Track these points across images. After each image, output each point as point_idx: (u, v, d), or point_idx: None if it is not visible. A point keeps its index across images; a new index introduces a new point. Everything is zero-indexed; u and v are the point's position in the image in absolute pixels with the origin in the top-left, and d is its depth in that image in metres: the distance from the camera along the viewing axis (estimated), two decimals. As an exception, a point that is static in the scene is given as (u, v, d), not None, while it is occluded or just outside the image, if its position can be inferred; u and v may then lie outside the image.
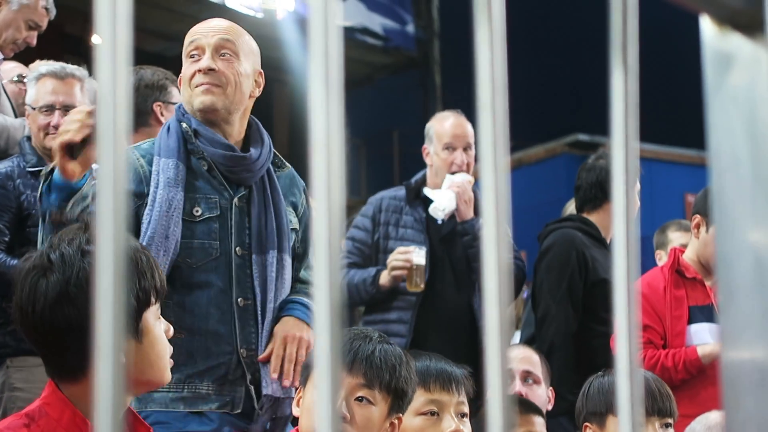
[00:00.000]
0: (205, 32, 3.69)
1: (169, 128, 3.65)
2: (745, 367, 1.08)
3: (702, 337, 4.71)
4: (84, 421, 2.25)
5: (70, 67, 4.75)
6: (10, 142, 4.89)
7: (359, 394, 2.88)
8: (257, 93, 3.74)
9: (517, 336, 6.50)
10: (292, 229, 3.73)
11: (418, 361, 3.17)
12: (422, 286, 5.04)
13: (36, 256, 2.29)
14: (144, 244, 3.41)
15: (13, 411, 4.16)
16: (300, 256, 3.79)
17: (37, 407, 2.29)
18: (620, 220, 0.96)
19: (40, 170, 4.60)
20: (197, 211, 3.55)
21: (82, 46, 13.73)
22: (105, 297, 0.75)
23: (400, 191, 5.41)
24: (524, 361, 4.50)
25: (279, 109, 17.30)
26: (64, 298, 2.21)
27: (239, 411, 3.53)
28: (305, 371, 3.05)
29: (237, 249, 3.58)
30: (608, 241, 5.45)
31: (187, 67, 3.67)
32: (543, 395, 4.46)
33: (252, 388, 3.55)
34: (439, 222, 5.22)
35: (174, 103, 4.71)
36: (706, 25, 1.12)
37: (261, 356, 3.56)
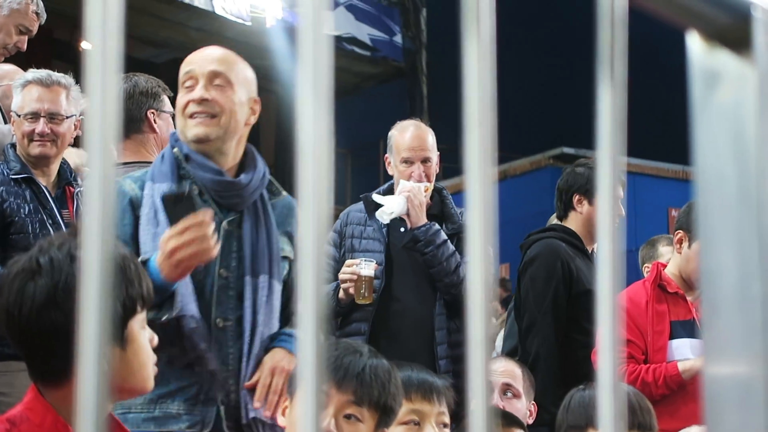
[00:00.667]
0: (198, 62, 3.69)
1: (163, 156, 3.67)
2: (728, 383, 1.08)
3: (683, 353, 4.72)
4: (65, 427, 2.24)
5: (57, 75, 4.74)
6: None
7: (348, 411, 2.87)
8: (252, 120, 3.74)
9: (499, 347, 6.49)
10: (283, 257, 3.72)
11: (400, 371, 3.17)
12: (370, 298, 5.01)
13: (24, 260, 2.28)
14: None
15: (-6, 415, 4.14)
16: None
17: (19, 412, 2.28)
18: (605, 233, 0.97)
19: (25, 177, 4.60)
20: None
21: (71, 51, 13.73)
22: (90, 303, 0.75)
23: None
24: (505, 374, 4.50)
25: (266, 117, 17.29)
26: (52, 303, 2.20)
27: (209, 430, 3.53)
28: (293, 383, 3.04)
29: (221, 271, 3.58)
30: (591, 251, 5.45)
31: (181, 97, 3.67)
32: (522, 409, 4.45)
33: (222, 408, 3.55)
34: (385, 223, 5.17)
35: (167, 112, 4.71)
36: (694, 42, 1.12)
37: (247, 383, 3.56)
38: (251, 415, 3.53)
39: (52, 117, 4.63)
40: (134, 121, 4.61)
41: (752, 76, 1.08)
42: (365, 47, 17.95)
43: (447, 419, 3.27)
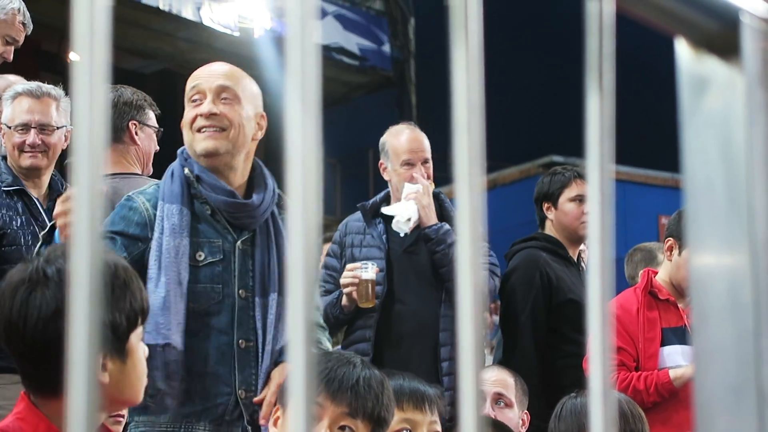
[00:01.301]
0: (206, 77, 3.71)
1: (173, 173, 3.67)
2: (719, 390, 1.08)
3: (675, 360, 4.72)
4: (59, 436, 2.23)
5: (47, 87, 4.75)
6: None
7: (342, 423, 2.87)
8: (259, 136, 3.76)
9: (489, 357, 6.49)
10: None
11: (391, 379, 3.17)
12: (373, 301, 5.02)
13: (29, 270, 2.25)
14: (162, 291, 3.47)
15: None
16: None
17: (10, 422, 2.27)
18: (596, 242, 0.97)
19: (17, 189, 4.60)
20: (200, 256, 3.58)
21: (58, 63, 13.71)
22: (79, 315, 0.75)
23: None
24: (497, 383, 4.50)
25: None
26: (59, 314, 2.19)
27: None
28: (284, 393, 3.04)
29: (240, 291, 3.61)
30: (575, 259, 5.46)
31: (189, 111, 3.69)
32: (514, 418, 4.45)
33: (249, 428, 3.56)
34: (403, 235, 5.19)
35: (150, 126, 4.71)
36: (682, 49, 1.12)
37: (256, 398, 3.57)
38: None
39: (43, 128, 4.63)
40: (116, 130, 4.61)
41: (740, 82, 1.09)
42: (353, 57, 17.97)
43: (439, 428, 3.27)
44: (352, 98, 19.26)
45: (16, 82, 5.23)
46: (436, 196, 5.29)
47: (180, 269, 3.52)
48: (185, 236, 3.55)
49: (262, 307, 3.60)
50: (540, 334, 5.20)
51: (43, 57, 14.15)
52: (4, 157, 4.75)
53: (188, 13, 15.48)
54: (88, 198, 0.75)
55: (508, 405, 4.47)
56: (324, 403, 2.80)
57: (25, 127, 4.65)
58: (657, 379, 4.65)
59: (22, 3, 5.17)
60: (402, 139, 5.29)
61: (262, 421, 3.54)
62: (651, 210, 16.81)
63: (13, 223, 4.55)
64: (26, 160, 4.63)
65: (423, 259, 5.18)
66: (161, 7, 15.21)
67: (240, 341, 3.57)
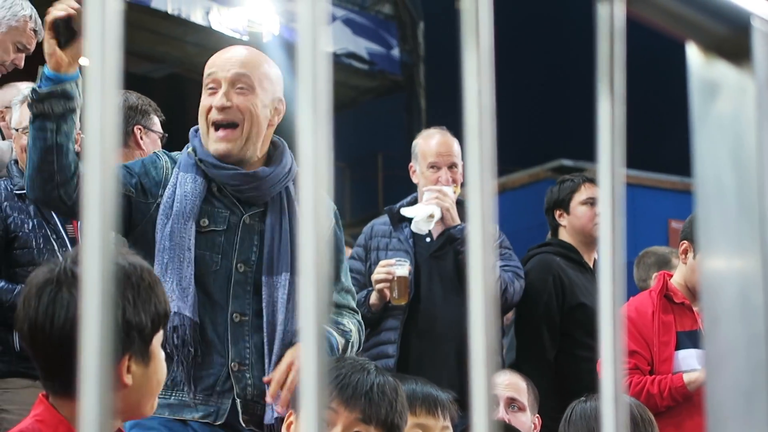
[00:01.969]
0: (221, 64, 3.67)
1: (187, 147, 3.69)
2: (731, 394, 1.08)
3: (690, 363, 4.70)
4: (80, 437, 2.22)
5: (55, 91, 4.76)
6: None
7: (356, 429, 2.87)
8: (276, 121, 3.73)
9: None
10: None
11: (404, 384, 3.17)
12: (406, 297, 5.03)
13: (56, 270, 2.24)
14: (165, 254, 3.48)
15: (1, 432, 4.13)
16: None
17: (30, 424, 2.26)
18: (607, 246, 0.97)
19: None
20: (204, 222, 3.57)
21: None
22: (91, 318, 0.75)
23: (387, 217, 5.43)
24: (510, 387, 4.49)
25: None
26: None
27: (222, 422, 3.52)
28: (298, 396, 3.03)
29: (239, 265, 3.58)
30: (591, 264, 5.48)
31: (204, 99, 3.67)
32: (527, 422, 4.45)
33: (239, 401, 3.54)
34: (425, 233, 5.20)
35: (154, 131, 4.73)
36: (693, 53, 1.12)
37: (265, 378, 3.55)
38: (276, 415, 3.53)
39: None
40: (121, 135, 4.62)
41: (751, 86, 1.08)
42: (362, 61, 17.96)
43: (451, 432, 3.27)
44: (361, 102, 19.26)
45: (26, 90, 5.25)
46: (460, 204, 5.30)
47: (188, 235, 3.51)
48: (197, 204, 3.55)
49: (268, 286, 3.58)
50: (554, 337, 5.21)
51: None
52: (16, 161, 4.76)
53: (197, 18, 15.49)
54: (99, 202, 0.75)
55: (521, 409, 4.47)
56: (338, 409, 2.80)
57: (34, 131, 4.66)
58: (671, 383, 4.64)
59: (34, 10, 5.17)
60: (431, 143, 5.33)
61: (268, 400, 3.52)
62: (661, 214, 16.76)
63: (25, 225, 4.57)
64: None
65: (449, 264, 5.20)
66: (170, 11, 15.22)
67: (234, 315, 3.56)
